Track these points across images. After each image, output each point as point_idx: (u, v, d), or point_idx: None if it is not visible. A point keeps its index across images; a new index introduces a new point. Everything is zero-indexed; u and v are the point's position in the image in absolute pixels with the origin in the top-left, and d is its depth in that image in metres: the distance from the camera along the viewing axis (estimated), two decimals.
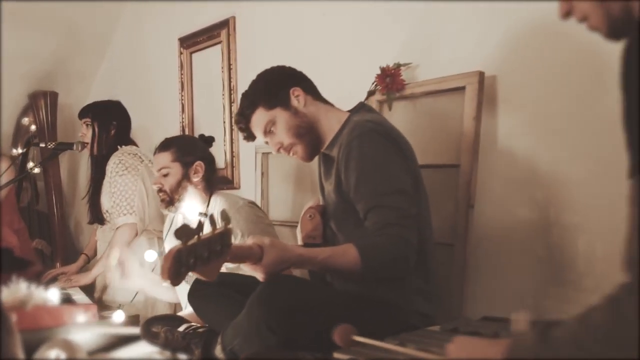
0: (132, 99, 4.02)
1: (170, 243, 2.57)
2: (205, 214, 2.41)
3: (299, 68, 2.01)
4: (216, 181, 2.56)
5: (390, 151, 1.70)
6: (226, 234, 1.35)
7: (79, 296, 2.78)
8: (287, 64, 2.02)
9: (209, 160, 2.52)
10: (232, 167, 3.21)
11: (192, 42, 3.47)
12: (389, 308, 1.69)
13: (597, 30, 0.97)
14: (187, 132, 3.53)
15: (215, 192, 2.48)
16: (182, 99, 3.58)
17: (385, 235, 1.59)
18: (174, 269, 1.16)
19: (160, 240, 2.95)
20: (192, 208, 2.43)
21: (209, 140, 2.63)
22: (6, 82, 4.02)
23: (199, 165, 2.45)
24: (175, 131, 3.59)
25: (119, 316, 2.52)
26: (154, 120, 3.86)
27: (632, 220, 0.83)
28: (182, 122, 3.57)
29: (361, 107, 1.92)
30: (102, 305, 2.85)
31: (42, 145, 3.39)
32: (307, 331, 1.52)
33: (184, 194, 2.43)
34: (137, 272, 2.49)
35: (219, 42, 3.25)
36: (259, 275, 1.52)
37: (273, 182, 3.01)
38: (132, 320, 2.63)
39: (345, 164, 1.71)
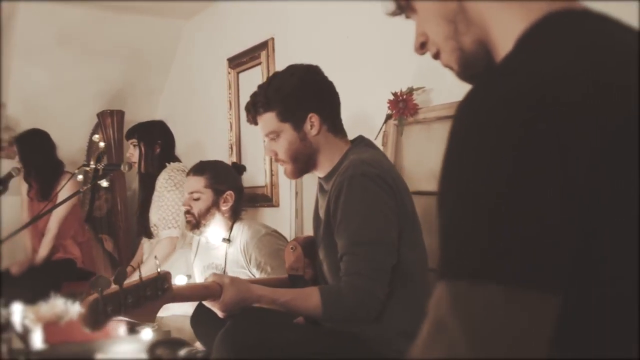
0: (190, 115, 4.21)
1: (200, 267, 2.66)
2: (229, 240, 2.49)
3: None
4: (241, 210, 2.62)
5: (378, 197, 1.65)
6: (160, 279, 1.40)
7: None
8: None
9: (239, 190, 2.59)
10: (272, 185, 3.27)
11: (238, 62, 3.57)
12: (365, 345, 1.67)
13: (449, 67, 0.85)
14: (234, 150, 3.63)
15: (238, 220, 2.55)
16: (229, 118, 3.68)
17: (351, 284, 1.59)
18: (91, 317, 1.23)
19: None
20: (216, 234, 2.51)
21: (241, 169, 2.71)
22: (79, 103, 4.33)
23: (230, 195, 2.52)
24: (225, 149, 3.71)
25: (146, 334, 2.66)
26: (208, 137, 4.00)
27: (445, 333, 0.64)
28: (230, 140, 3.68)
29: (360, 142, 1.87)
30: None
31: (93, 166, 3.60)
32: None
33: (210, 220, 2.51)
34: None
35: (259, 63, 3.32)
36: (218, 312, 1.57)
37: (307, 202, 3.04)
38: (164, 336, 2.75)
39: (334, 203, 1.70)
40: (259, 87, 1.88)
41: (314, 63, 2.94)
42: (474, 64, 0.81)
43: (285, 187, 3.20)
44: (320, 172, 1.87)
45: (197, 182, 2.54)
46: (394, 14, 0.90)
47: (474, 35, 0.79)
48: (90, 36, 4.12)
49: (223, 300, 1.55)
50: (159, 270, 1.42)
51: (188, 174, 2.64)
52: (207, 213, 2.51)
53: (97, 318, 1.24)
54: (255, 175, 3.41)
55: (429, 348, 0.65)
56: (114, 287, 1.30)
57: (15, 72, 4.14)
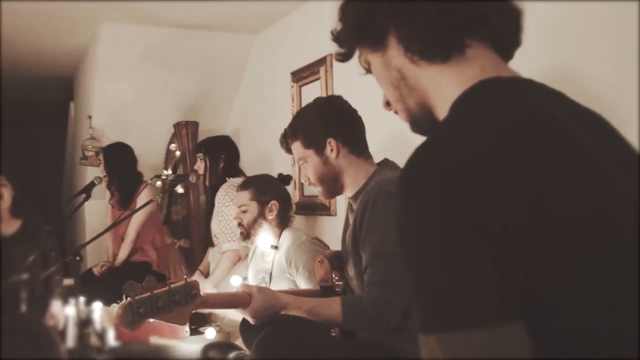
0: (258, 126, 4.41)
1: (253, 272, 2.84)
2: (276, 247, 2.67)
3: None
4: (290, 217, 2.80)
5: None
6: (188, 286, 1.58)
7: None
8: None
9: (284, 199, 2.77)
10: None
11: (300, 76, 3.72)
12: (398, 356, 1.77)
13: (407, 123, 0.96)
14: (296, 161, 3.78)
15: (286, 228, 2.71)
16: None
17: (370, 295, 1.72)
18: (126, 317, 1.45)
19: None
20: (265, 241, 2.70)
21: (286, 180, 2.88)
22: (159, 114, 4.64)
23: (274, 205, 2.72)
24: (288, 159, 3.87)
25: (210, 333, 2.86)
26: (273, 147, 4.16)
27: None
28: None
29: (385, 164, 2.03)
30: (200, 322, 3.20)
31: (164, 177, 3.85)
32: None
33: (259, 229, 2.71)
34: None
35: (318, 79, 3.46)
36: (249, 319, 1.73)
37: None
38: (224, 337, 2.95)
39: (360, 219, 1.84)
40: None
41: (366, 79, 3.06)
42: (420, 122, 0.93)
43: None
44: (348, 192, 2.03)
45: (244, 196, 2.78)
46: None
47: (416, 98, 0.91)
48: (169, 52, 4.41)
49: (252, 308, 1.71)
50: (185, 278, 1.61)
51: (237, 190, 2.87)
52: (254, 223, 2.74)
53: (132, 318, 1.45)
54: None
55: None
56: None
57: (101, 86, 4.49)
